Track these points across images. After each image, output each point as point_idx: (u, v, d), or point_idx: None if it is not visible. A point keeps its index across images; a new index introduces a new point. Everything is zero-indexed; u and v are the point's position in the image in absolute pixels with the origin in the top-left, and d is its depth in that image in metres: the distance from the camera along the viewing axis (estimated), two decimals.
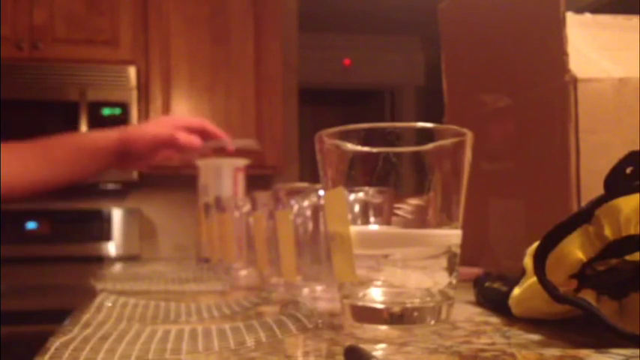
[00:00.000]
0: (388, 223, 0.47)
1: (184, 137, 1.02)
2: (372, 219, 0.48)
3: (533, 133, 0.68)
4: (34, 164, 0.99)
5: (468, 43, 0.84)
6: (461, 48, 0.87)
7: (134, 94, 2.33)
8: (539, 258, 0.40)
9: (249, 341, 0.42)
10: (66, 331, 0.47)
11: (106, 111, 2.31)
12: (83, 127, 2.28)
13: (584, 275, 0.40)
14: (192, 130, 1.05)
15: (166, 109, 2.41)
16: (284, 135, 2.54)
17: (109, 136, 1.01)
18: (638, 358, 0.35)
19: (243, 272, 0.89)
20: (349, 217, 0.46)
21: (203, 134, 1.07)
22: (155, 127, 1.03)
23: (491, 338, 0.42)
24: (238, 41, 2.46)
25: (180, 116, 1.12)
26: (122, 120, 2.31)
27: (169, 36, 2.41)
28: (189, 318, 0.55)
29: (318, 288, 0.64)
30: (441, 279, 0.46)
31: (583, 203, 0.52)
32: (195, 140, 1.05)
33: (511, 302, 0.47)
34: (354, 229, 0.46)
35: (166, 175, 2.51)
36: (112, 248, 2.50)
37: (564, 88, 0.61)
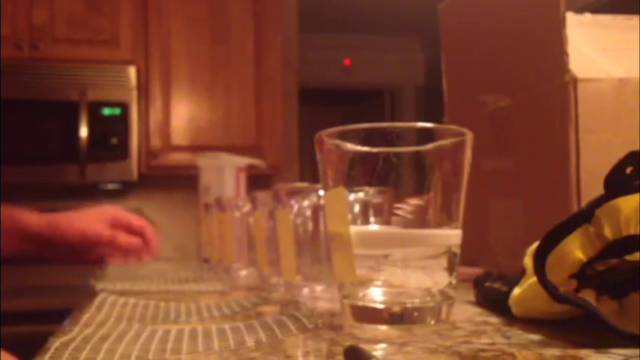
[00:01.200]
0: (388, 223, 0.47)
1: (124, 238, 0.93)
2: (372, 219, 0.48)
3: (533, 133, 0.68)
4: None
5: (468, 43, 0.84)
6: (461, 48, 0.87)
7: (134, 94, 2.33)
8: (539, 258, 0.40)
9: (249, 341, 0.42)
10: (66, 331, 0.47)
11: (106, 111, 2.31)
12: (83, 127, 2.28)
13: (584, 275, 0.40)
14: (132, 230, 0.96)
15: (166, 109, 2.41)
16: (284, 135, 2.54)
17: (37, 217, 0.93)
18: (638, 358, 0.35)
19: (243, 272, 0.89)
20: (349, 217, 0.46)
21: (141, 237, 0.97)
22: (90, 220, 0.93)
23: (492, 338, 0.42)
24: (238, 41, 2.46)
25: (121, 212, 1.00)
26: (122, 120, 2.31)
27: (169, 36, 2.41)
28: (189, 318, 0.55)
29: (318, 288, 0.64)
30: (441, 279, 0.46)
31: (583, 203, 0.52)
32: (136, 242, 0.94)
33: (511, 302, 0.47)
34: (354, 229, 0.46)
35: (166, 175, 2.51)
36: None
37: (564, 88, 0.61)
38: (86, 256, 0.95)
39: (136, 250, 0.95)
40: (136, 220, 0.97)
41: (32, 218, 0.92)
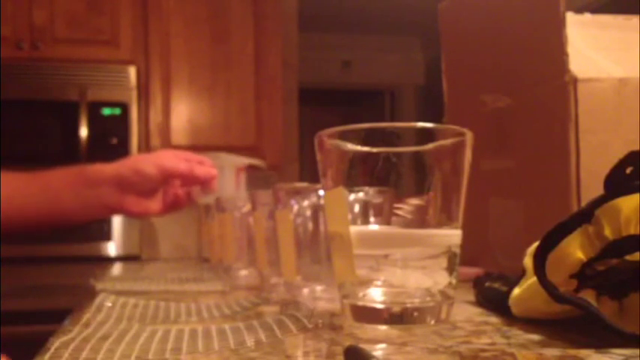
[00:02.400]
0: (388, 223, 0.47)
1: (201, 170, 0.90)
2: (372, 219, 0.48)
3: (533, 133, 0.68)
4: (27, 190, 0.89)
5: (468, 42, 0.84)
6: (461, 48, 0.87)
7: (134, 94, 2.33)
8: (539, 258, 0.40)
9: (249, 341, 0.42)
10: (66, 331, 0.47)
11: (106, 111, 2.31)
12: (83, 127, 2.28)
13: (584, 275, 0.40)
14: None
15: (166, 109, 2.41)
16: (284, 135, 2.54)
17: (112, 165, 0.90)
18: (638, 358, 0.35)
19: (243, 272, 0.89)
20: (349, 217, 0.46)
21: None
22: (164, 156, 0.91)
23: (491, 338, 0.42)
24: (238, 41, 2.46)
25: (181, 150, 0.95)
26: (122, 120, 2.31)
27: (169, 36, 2.41)
28: (189, 318, 0.55)
29: (318, 288, 0.64)
30: (441, 279, 0.46)
31: (583, 203, 0.52)
32: (213, 171, 0.91)
33: (511, 302, 0.47)
34: (354, 229, 0.46)
35: None
36: (112, 248, 2.49)
37: (564, 88, 0.61)
38: (161, 198, 0.93)
39: (213, 179, 0.92)
40: (196, 157, 0.94)
41: (104, 165, 0.90)
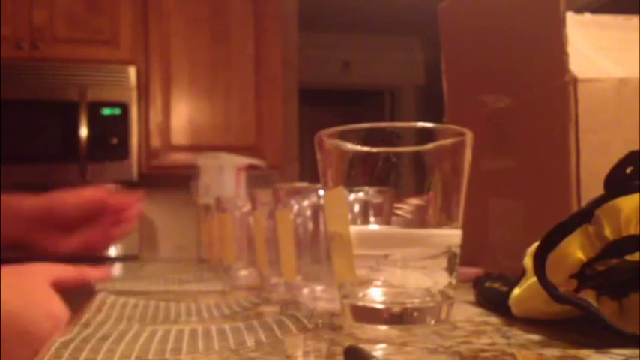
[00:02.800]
0: (388, 223, 0.47)
1: (119, 197, 0.92)
2: (372, 219, 0.48)
3: (533, 133, 0.68)
4: None
5: (468, 43, 0.84)
6: (461, 48, 0.87)
7: (134, 94, 2.33)
8: (539, 258, 0.40)
9: (249, 341, 0.42)
10: (66, 331, 0.47)
11: (106, 111, 2.32)
12: (83, 127, 2.28)
13: (584, 275, 0.40)
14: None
15: (166, 109, 2.41)
16: (284, 135, 2.54)
17: (34, 198, 0.90)
18: (638, 358, 0.35)
19: (243, 272, 0.89)
20: (349, 217, 0.46)
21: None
22: (81, 191, 0.92)
23: (491, 338, 0.42)
24: (238, 41, 2.46)
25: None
26: (122, 120, 2.31)
27: (169, 36, 2.41)
28: (189, 318, 0.55)
29: (318, 288, 0.64)
30: (441, 279, 0.46)
31: (583, 203, 0.52)
32: (127, 203, 0.92)
33: (511, 302, 0.47)
34: (354, 229, 0.46)
35: (166, 175, 2.50)
36: (111, 248, 2.50)
37: (564, 88, 0.61)
38: (80, 233, 0.92)
39: (130, 212, 0.93)
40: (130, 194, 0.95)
41: (27, 200, 0.90)
